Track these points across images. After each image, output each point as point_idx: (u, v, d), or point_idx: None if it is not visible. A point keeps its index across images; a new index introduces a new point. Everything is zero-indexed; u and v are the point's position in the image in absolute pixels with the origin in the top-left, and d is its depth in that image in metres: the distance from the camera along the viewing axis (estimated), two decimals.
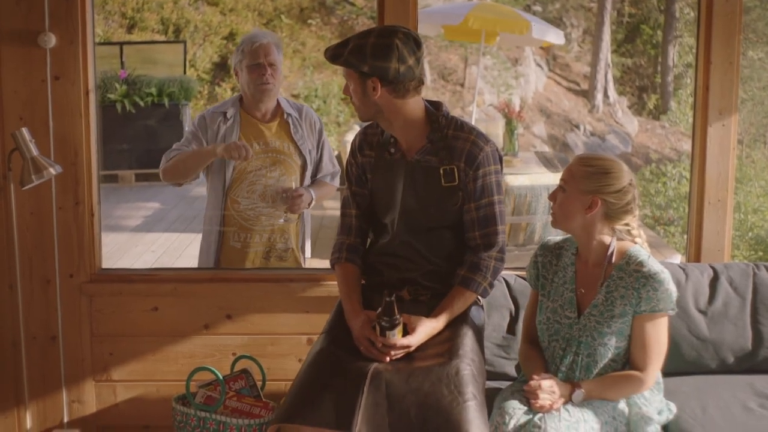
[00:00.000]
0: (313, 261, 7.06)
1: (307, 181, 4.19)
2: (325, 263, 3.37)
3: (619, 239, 3.06)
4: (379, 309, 2.90)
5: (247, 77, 4.07)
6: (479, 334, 3.10)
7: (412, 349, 2.93)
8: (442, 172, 3.03)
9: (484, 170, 3.04)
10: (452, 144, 3.04)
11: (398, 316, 2.89)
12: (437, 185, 3.04)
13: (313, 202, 4.13)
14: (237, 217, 4.13)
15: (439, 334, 2.99)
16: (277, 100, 4.18)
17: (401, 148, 3.11)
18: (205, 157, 4.07)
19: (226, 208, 4.13)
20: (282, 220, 4.14)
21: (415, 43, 2.96)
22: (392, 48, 2.91)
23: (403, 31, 2.96)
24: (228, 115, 4.12)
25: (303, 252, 4.30)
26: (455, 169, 3.03)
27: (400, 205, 3.09)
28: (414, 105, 3.03)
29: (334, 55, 2.97)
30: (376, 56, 2.91)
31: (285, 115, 4.17)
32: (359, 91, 2.99)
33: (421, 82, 3.03)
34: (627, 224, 3.05)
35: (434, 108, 3.10)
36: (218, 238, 4.17)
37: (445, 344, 2.93)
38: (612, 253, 3.03)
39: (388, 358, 2.90)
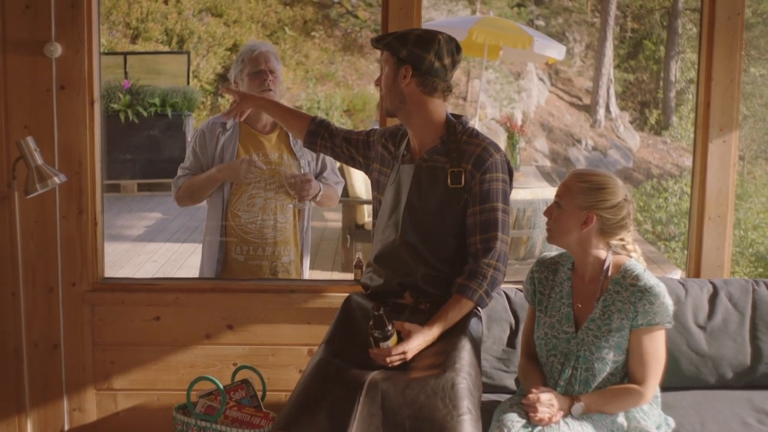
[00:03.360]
0: (314, 273, 7.08)
1: None
2: (326, 275, 3.38)
3: (614, 253, 3.08)
4: (371, 322, 2.92)
5: (248, 85, 4.07)
6: (477, 347, 3.10)
7: (407, 355, 2.93)
8: (450, 173, 3.07)
9: (491, 175, 3.07)
10: (463, 148, 3.10)
11: (390, 328, 2.90)
12: (443, 185, 3.08)
13: (321, 194, 4.15)
14: (238, 230, 4.14)
15: (436, 345, 2.99)
16: None
17: (412, 151, 3.18)
18: (212, 182, 4.12)
19: (226, 219, 4.14)
20: (292, 205, 4.16)
21: (456, 47, 3.11)
22: (434, 41, 3.05)
23: (449, 35, 3.12)
24: (228, 126, 4.14)
25: (302, 264, 4.31)
26: (462, 172, 3.07)
27: (405, 204, 3.12)
28: (437, 107, 3.13)
29: (380, 37, 3.13)
30: (417, 44, 3.05)
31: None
32: (391, 76, 3.11)
33: (450, 89, 3.14)
34: (622, 239, 3.07)
35: (455, 118, 3.19)
36: (220, 249, 4.19)
37: (442, 356, 2.93)
38: (608, 268, 3.05)
39: (386, 360, 2.91)
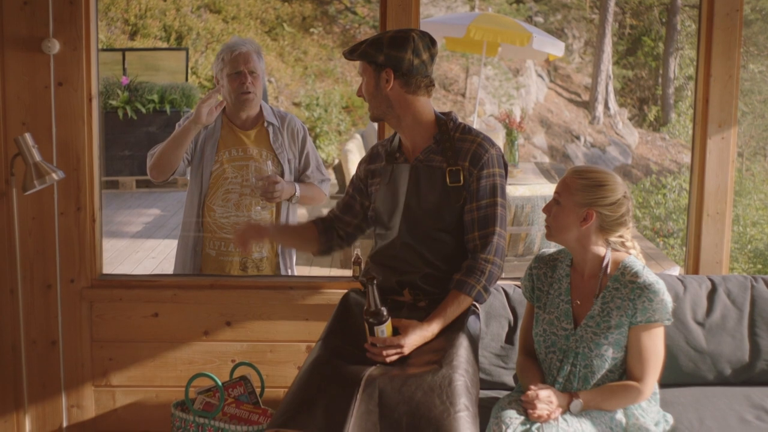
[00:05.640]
0: (313, 269, 7.07)
1: None
2: (324, 271, 3.38)
3: (614, 250, 3.08)
4: (365, 307, 2.92)
5: (227, 86, 4.06)
6: (474, 344, 3.11)
7: (404, 350, 2.93)
8: (448, 172, 3.07)
9: (488, 171, 3.07)
10: (458, 146, 3.10)
11: (385, 312, 2.90)
12: (441, 185, 3.08)
13: (297, 197, 4.10)
14: (213, 225, 4.12)
15: (434, 341, 2.99)
16: (260, 107, 4.17)
17: (405, 151, 3.18)
18: (182, 136, 4.02)
19: (203, 215, 4.13)
20: (258, 207, 4.12)
21: (431, 41, 3.10)
22: (408, 39, 3.04)
23: (420, 30, 3.12)
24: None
25: (282, 257, 4.24)
26: (461, 170, 3.07)
27: (404, 207, 3.12)
28: (424, 105, 3.12)
29: (352, 49, 3.10)
30: (392, 46, 3.03)
31: (265, 123, 4.14)
32: (372, 84, 3.09)
33: (432, 83, 3.13)
34: (621, 236, 3.07)
35: (444, 115, 3.18)
36: (195, 245, 4.17)
37: (440, 353, 2.93)
38: (607, 265, 3.05)
39: (383, 354, 2.91)
